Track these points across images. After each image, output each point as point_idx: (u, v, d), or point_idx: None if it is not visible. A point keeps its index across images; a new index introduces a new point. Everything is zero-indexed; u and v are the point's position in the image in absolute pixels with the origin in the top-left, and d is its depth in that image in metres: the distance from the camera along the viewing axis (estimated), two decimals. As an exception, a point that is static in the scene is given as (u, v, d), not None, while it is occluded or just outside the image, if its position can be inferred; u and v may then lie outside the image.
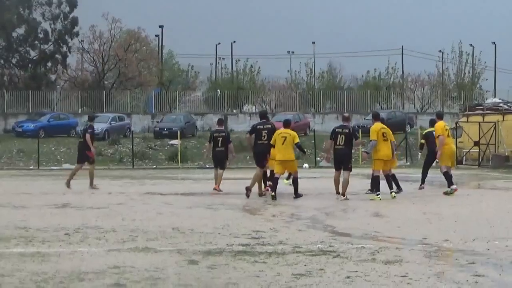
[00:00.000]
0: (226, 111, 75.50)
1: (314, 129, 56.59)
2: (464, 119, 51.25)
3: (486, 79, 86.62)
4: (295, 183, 24.27)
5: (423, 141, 28.18)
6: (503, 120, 46.69)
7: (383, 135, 23.83)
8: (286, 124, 24.97)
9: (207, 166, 48.54)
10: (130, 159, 50.95)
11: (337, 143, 23.90)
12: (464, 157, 46.16)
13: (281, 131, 24.45)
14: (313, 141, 50.90)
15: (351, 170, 24.14)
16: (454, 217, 18.78)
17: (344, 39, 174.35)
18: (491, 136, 45.52)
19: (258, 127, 25.51)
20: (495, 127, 45.79)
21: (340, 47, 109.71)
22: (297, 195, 23.90)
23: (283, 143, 24.00)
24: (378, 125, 24.04)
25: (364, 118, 65.22)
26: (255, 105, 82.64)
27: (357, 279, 11.06)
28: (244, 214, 20.50)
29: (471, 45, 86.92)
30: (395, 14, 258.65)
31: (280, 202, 22.81)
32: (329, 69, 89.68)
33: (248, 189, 24.46)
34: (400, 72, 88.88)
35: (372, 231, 16.06)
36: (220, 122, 28.67)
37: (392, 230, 16.34)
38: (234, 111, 77.00)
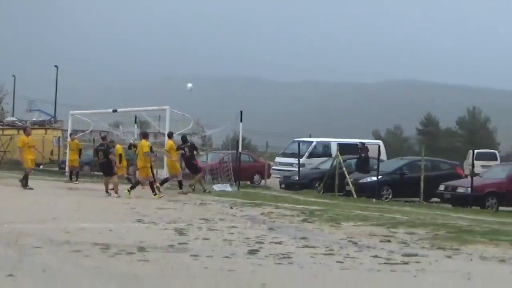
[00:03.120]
0: None
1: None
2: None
3: (8, 103, 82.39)
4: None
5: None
6: (18, 133, 46.66)
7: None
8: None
9: None
10: None
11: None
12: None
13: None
14: None
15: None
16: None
17: None
18: (8, 145, 48.90)
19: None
20: (11, 138, 48.31)
21: None
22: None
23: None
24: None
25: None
26: None
27: None
28: None
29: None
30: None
31: None
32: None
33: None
34: None
35: None
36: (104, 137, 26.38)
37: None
38: None
